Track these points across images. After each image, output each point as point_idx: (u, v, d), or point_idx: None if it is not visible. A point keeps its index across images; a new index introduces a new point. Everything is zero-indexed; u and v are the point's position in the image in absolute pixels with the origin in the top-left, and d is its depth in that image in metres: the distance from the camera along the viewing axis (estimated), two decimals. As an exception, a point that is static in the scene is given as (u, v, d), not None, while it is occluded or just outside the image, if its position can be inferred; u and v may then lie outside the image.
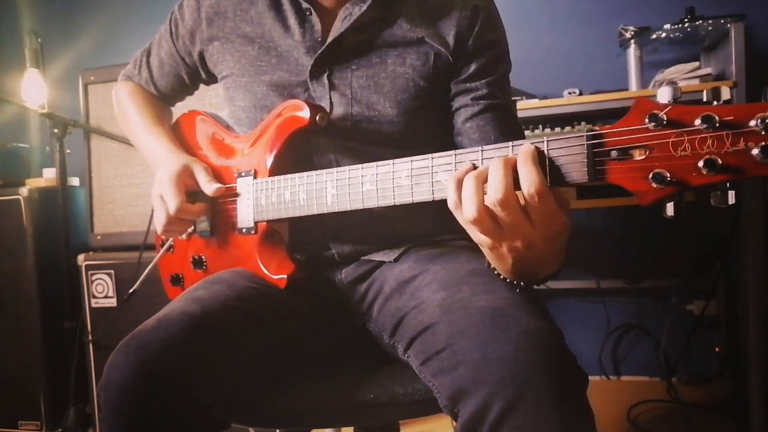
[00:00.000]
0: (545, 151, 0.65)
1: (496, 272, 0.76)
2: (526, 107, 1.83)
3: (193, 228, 1.04)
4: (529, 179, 0.62)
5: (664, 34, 1.85)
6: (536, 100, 1.85)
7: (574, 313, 2.23)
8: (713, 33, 1.82)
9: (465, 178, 0.66)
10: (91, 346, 1.94)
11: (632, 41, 1.89)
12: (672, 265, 2.10)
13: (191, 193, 0.96)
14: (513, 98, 1.85)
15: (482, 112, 0.96)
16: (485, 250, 0.72)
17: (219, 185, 0.95)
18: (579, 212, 2.18)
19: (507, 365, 0.64)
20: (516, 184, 0.64)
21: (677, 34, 1.84)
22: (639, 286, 2.11)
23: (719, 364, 2.02)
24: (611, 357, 2.22)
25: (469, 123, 0.96)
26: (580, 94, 1.86)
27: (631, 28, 1.89)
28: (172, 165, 0.97)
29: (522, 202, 0.64)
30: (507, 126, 0.96)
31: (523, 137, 0.94)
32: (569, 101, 1.81)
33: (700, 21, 1.75)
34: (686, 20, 1.78)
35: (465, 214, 0.65)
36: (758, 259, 1.58)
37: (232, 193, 0.97)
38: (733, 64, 1.69)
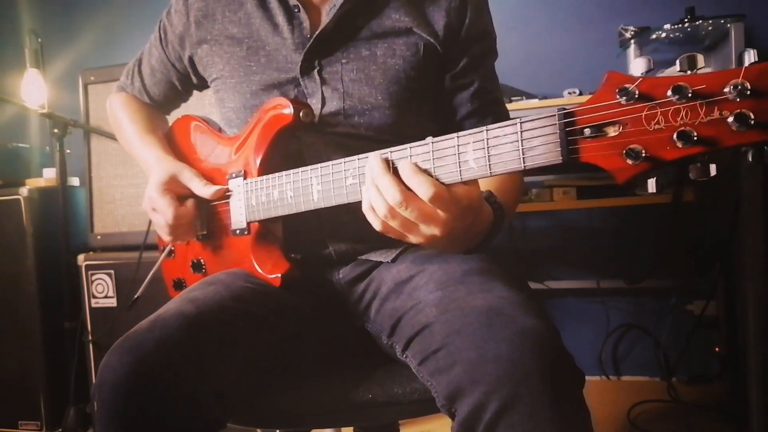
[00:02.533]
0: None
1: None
2: (526, 107, 1.83)
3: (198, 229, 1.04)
4: (422, 189, 0.69)
5: (664, 34, 1.85)
6: (536, 100, 1.85)
7: (574, 313, 2.23)
8: (713, 33, 1.82)
9: (364, 191, 0.74)
10: (91, 346, 1.94)
11: (632, 41, 1.89)
12: (672, 265, 2.09)
13: (182, 198, 0.97)
14: (513, 98, 1.87)
15: (477, 111, 0.98)
16: (428, 246, 0.76)
17: (216, 187, 0.96)
18: (579, 212, 2.18)
19: (503, 364, 0.63)
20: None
21: (677, 34, 1.84)
22: (639, 286, 2.11)
23: (719, 364, 2.02)
24: (611, 357, 2.22)
25: (466, 122, 0.98)
26: (580, 94, 1.87)
27: (631, 28, 1.88)
28: (158, 175, 0.98)
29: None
30: (498, 120, 0.97)
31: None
32: (569, 101, 1.81)
33: (700, 21, 1.75)
34: (686, 20, 1.78)
35: (379, 215, 0.72)
36: (758, 259, 1.58)
37: (225, 195, 0.97)
38: (733, 64, 1.69)
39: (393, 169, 0.72)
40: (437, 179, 0.70)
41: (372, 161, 0.73)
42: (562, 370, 0.65)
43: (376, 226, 0.74)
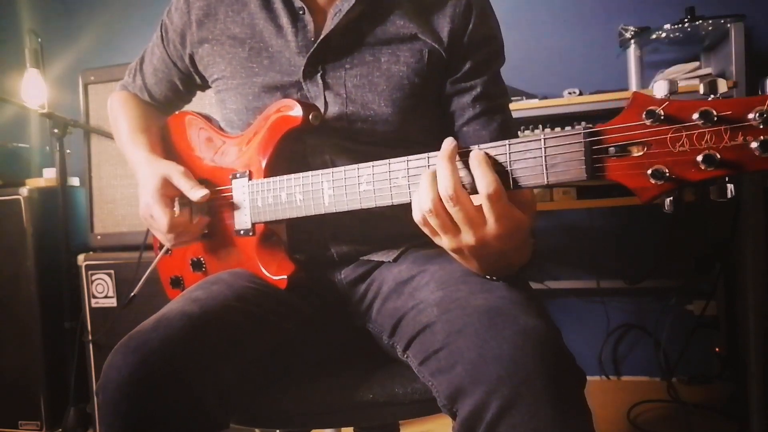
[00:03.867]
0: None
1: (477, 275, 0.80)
2: (526, 107, 1.83)
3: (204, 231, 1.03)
4: (484, 181, 0.65)
5: (664, 34, 1.85)
6: (536, 100, 1.85)
7: (574, 313, 2.23)
8: (713, 33, 1.82)
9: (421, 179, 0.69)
10: (91, 346, 1.94)
11: (632, 41, 1.89)
12: (672, 265, 2.10)
13: (181, 204, 0.96)
14: (513, 98, 1.87)
15: (478, 117, 0.96)
16: (453, 254, 0.74)
17: (204, 191, 0.94)
18: (579, 212, 2.18)
19: (504, 364, 0.63)
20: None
21: (677, 34, 1.84)
22: (639, 286, 2.11)
23: (719, 365, 2.02)
24: (611, 357, 2.22)
25: (466, 128, 0.96)
26: (580, 94, 1.86)
27: (631, 28, 1.89)
28: (150, 179, 0.96)
29: (476, 202, 0.67)
30: (501, 128, 0.96)
31: (516, 136, 0.94)
32: (569, 101, 1.81)
33: (700, 21, 1.76)
34: (686, 20, 1.78)
35: (422, 205, 0.68)
36: (758, 259, 1.58)
37: (228, 195, 0.97)
38: (733, 64, 1.69)
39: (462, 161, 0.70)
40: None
41: (446, 144, 0.69)
42: (564, 369, 0.65)
43: (417, 215, 0.70)
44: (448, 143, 0.69)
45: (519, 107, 1.83)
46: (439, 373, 0.70)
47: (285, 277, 0.90)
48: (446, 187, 0.66)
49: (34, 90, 2.15)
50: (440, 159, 0.68)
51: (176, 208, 0.95)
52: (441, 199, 0.67)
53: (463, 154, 0.70)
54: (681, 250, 2.08)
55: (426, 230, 0.71)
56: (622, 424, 1.81)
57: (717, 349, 2.01)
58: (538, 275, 2.22)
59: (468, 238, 0.68)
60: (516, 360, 0.63)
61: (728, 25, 1.71)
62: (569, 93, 1.88)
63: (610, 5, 2.14)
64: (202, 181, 0.98)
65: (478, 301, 0.73)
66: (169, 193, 0.96)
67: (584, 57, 2.16)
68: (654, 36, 1.86)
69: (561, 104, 1.81)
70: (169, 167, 0.97)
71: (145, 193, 0.97)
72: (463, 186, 0.68)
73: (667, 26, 1.81)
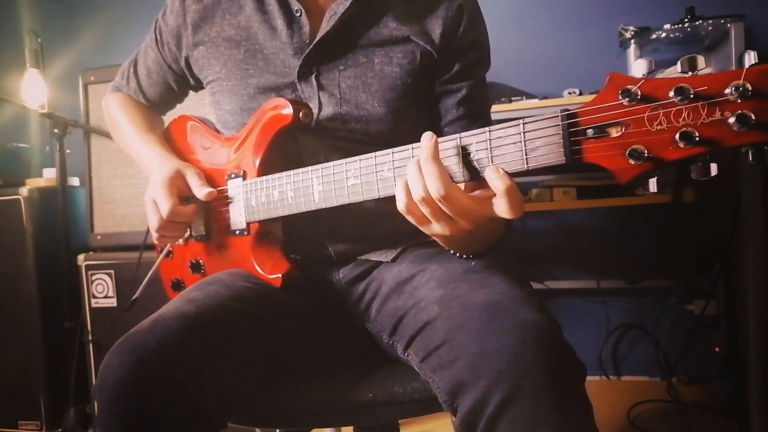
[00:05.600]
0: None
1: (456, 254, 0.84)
2: (526, 107, 1.83)
3: (189, 233, 1.04)
4: (433, 183, 0.66)
5: (664, 34, 1.85)
6: (536, 100, 1.86)
7: (574, 313, 2.23)
8: (713, 33, 1.82)
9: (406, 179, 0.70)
10: (91, 346, 1.94)
11: (632, 41, 1.89)
12: (672, 265, 2.10)
13: (184, 197, 0.97)
14: (513, 98, 1.87)
15: (461, 119, 0.98)
16: (440, 240, 0.76)
17: (211, 189, 0.96)
18: (579, 212, 2.18)
19: (505, 358, 0.64)
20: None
21: (677, 34, 1.84)
22: (639, 286, 2.11)
23: (719, 364, 2.02)
24: (611, 357, 2.22)
25: (447, 128, 0.98)
26: (580, 94, 1.87)
27: (631, 28, 1.89)
28: (165, 170, 0.97)
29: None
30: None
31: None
32: (569, 101, 1.81)
33: (700, 21, 1.76)
34: (686, 20, 1.79)
35: (414, 195, 0.69)
36: (758, 259, 1.58)
37: (224, 196, 0.97)
38: (733, 64, 1.69)
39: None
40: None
41: (426, 141, 0.69)
42: (564, 363, 0.65)
43: (401, 205, 0.71)
44: (429, 140, 0.68)
45: (519, 107, 1.83)
46: (440, 368, 0.71)
47: (280, 275, 0.90)
48: (436, 188, 0.66)
49: (34, 90, 2.15)
50: (425, 161, 0.68)
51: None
52: (429, 196, 0.68)
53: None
54: (681, 250, 2.08)
55: (412, 219, 0.72)
56: (622, 424, 1.81)
57: (717, 349, 2.01)
58: (538, 275, 2.22)
59: (462, 225, 0.70)
60: (516, 354, 0.64)
61: (728, 25, 1.71)
62: (569, 93, 1.88)
63: (610, 5, 2.14)
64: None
65: (478, 297, 0.73)
66: (179, 184, 0.97)
67: (584, 57, 2.16)
68: (654, 36, 1.86)
69: (561, 104, 1.81)
70: (185, 165, 1.00)
71: (155, 179, 0.97)
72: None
73: (667, 26, 1.81)
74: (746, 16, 1.73)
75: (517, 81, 1.98)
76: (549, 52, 2.20)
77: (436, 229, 0.71)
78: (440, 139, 0.71)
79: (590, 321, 2.21)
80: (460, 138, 0.69)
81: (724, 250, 1.84)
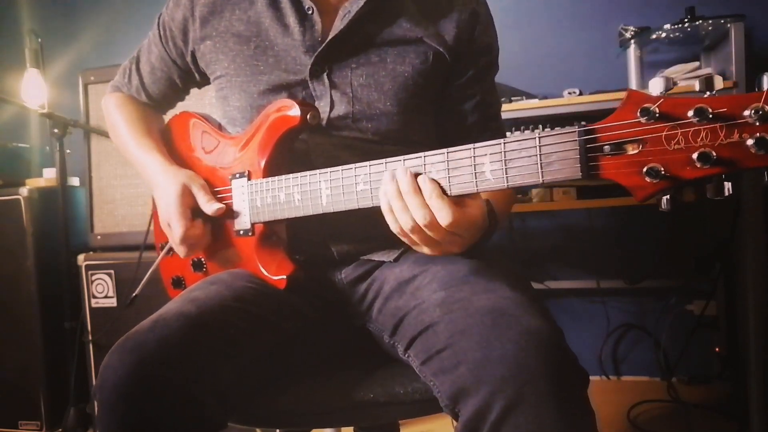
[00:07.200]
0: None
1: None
2: (526, 107, 1.83)
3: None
4: (442, 215, 0.71)
5: (664, 34, 1.85)
6: (536, 100, 1.85)
7: (574, 313, 2.23)
8: (713, 33, 1.82)
9: (381, 194, 0.75)
10: (91, 346, 1.94)
11: (632, 41, 1.89)
12: (672, 265, 2.10)
13: (193, 210, 0.97)
14: (513, 98, 1.87)
15: (476, 123, 1.01)
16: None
17: (220, 205, 0.95)
18: (579, 212, 2.18)
19: (508, 364, 0.64)
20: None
21: (677, 34, 1.84)
22: (639, 286, 2.11)
23: (719, 364, 2.02)
24: (611, 357, 2.22)
25: (463, 133, 1.00)
26: (580, 94, 1.87)
27: (631, 28, 1.89)
28: (172, 186, 0.96)
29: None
30: (495, 136, 0.98)
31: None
32: (569, 101, 1.81)
33: (700, 21, 1.76)
34: (686, 20, 1.78)
35: (404, 227, 0.74)
36: (758, 259, 1.58)
37: (228, 196, 0.97)
38: (733, 64, 1.69)
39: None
40: (451, 189, 0.72)
41: (401, 175, 0.73)
42: (567, 370, 0.66)
43: (394, 228, 0.75)
44: (403, 177, 0.73)
45: (519, 107, 1.83)
46: (441, 372, 0.70)
47: (284, 277, 0.90)
48: (422, 216, 0.71)
49: (34, 90, 2.15)
50: (407, 195, 0.72)
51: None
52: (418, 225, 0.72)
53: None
54: (681, 250, 2.08)
55: (405, 240, 0.77)
56: (622, 424, 1.81)
57: (717, 349, 2.01)
58: (538, 275, 2.22)
59: (451, 248, 0.77)
60: (520, 361, 0.64)
61: (728, 25, 1.71)
62: (569, 93, 1.88)
63: (610, 5, 2.14)
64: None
65: (481, 302, 0.73)
66: (189, 202, 0.96)
67: (584, 57, 2.16)
68: (654, 36, 1.86)
69: (561, 104, 1.81)
70: (189, 177, 0.98)
71: (165, 202, 0.97)
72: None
73: (667, 26, 1.81)
74: (746, 16, 1.73)
75: (517, 81, 1.97)
76: (549, 52, 2.20)
77: (425, 250, 0.77)
78: (452, 150, 0.71)
79: (590, 321, 2.21)
80: (474, 148, 0.70)
81: (724, 250, 1.84)
